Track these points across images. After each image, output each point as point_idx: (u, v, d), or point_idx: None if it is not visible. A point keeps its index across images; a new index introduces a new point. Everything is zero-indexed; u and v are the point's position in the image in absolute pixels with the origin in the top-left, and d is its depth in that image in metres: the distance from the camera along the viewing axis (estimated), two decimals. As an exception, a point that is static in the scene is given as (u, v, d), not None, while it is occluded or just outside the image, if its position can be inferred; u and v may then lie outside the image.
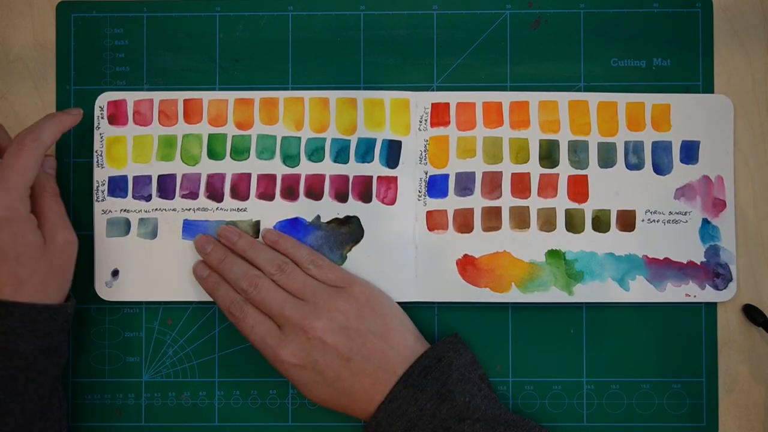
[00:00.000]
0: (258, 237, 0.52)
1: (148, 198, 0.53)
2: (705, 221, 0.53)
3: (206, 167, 0.53)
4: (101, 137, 0.53)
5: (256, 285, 0.49)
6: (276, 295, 0.48)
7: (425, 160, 0.53)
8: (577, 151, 0.53)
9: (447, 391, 0.47)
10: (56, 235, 0.47)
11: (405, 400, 0.47)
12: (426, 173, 0.53)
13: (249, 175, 0.53)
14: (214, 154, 0.53)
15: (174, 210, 0.53)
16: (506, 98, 0.53)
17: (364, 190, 0.53)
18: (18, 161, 0.46)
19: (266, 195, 0.53)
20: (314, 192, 0.53)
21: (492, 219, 0.53)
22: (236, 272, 0.50)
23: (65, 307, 0.48)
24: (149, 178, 0.53)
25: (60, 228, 0.48)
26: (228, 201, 0.53)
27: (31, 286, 0.46)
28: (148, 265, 0.52)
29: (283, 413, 0.53)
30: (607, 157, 0.53)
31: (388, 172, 0.53)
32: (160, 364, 0.53)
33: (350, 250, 0.52)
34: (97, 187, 0.53)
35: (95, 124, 0.53)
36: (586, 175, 0.53)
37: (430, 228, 0.53)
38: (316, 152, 0.53)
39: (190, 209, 0.53)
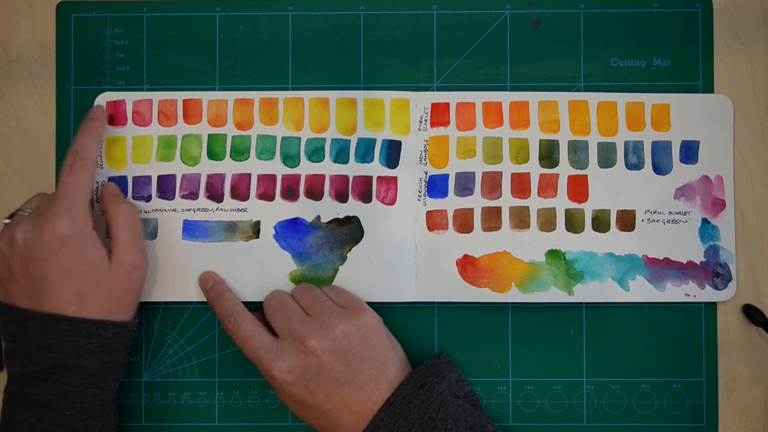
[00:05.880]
0: (258, 237, 0.52)
1: (148, 198, 0.53)
2: (705, 221, 0.53)
3: (206, 167, 0.53)
4: (102, 137, 0.53)
5: (273, 292, 0.50)
6: (289, 305, 0.49)
7: (425, 160, 0.53)
8: (577, 151, 0.53)
9: (429, 419, 0.46)
10: (125, 259, 0.48)
11: (387, 429, 0.46)
12: (426, 173, 0.53)
13: (249, 176, 0.53)
14: (213, 154, 0.53)
15: (174, 210, 0.53)
16: (506, 98, 0.53)
17: (364, 190, 0.53)
18: (73, 179, 0.48)
19: (266, 195, 0.53)
20: (314, 192, 0.53)
21: (492, 219, 0.53)
22: None
23: (130, 325, 0.49)
24: (149, 178, 0.53)
25: (130, 252, 0.48)
26: (228, 201, 0.53)
27: (93, 306, 0.47)
28: (149, 265, 0.52)
29: (283, 413, 0.53)
30: (607, 157, 0.53)
31: (388, 172, 0.53)
32: (160, 364, 0.53)
33: (350, 250, 0.52)
34: (97, 187, 0.53)
35: (95, 125, 0.53)
36: (586, 175, 0.53)
37: (430, 228, 0.53)
38: (316, 152, 0.53)
39: (190, 209, 0.53)
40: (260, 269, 0.52)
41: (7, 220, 0.49)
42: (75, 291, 0.46)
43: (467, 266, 0.52)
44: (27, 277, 0.46)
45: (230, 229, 0.53)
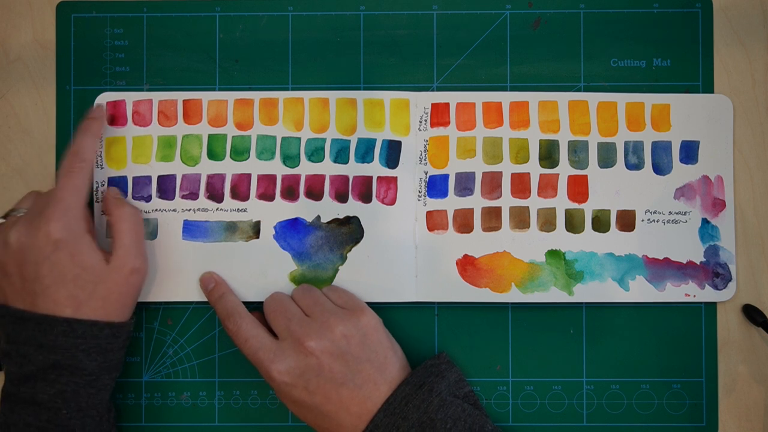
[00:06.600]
0: (258, 237, 0.52)
1: (148, 198, 0.53)
2: (704, 221, 0.53)
3: (206, 168, 0.53)
4: (100, 138, 0.53)
5: (273, 294, 0.50)
6: (289, 306, 0.49)
7: (425, 160, 0.53)
8: (577, 151, 0.53)
9: (428, 419, 0.46)
10: (126, 262, 0.48)
11: (386, 429, 0.46)
12: (426, 173, 0.53)
13: (249, 176, 0.53)
14: (213, 154, 0.53)
15: (174, 210, 0.53)
16: (506, 98, 0.53)
17: (364, 190, 0.53)
18: (69, 182, 0.48)
19: (266, 195, 0.53)
20: (314, 192, 0.53)
21: (492, 219, 0.53)
22: None
23: (127, 325, 0.49)
24: (149, 178, 0.53)
25: (131, 256, 0.49)
26: (228, 201, 0.53)
27: (90, 308, 0.47)
28: (149, 265, 0.52)
29: (283, 413, 0.53)
30: (607, 157, 0.53)
31: (388, 172, 0.53)
32: (160, 364, 0.53)
33: (350, 250, 0.52)
34: (97, 188, 0.53)
35: (95, 125, 0.53)
36: (586, 175, 0.53)
37: (430, 228, 0.53)
38: (316, 152, 0.53)
39: (190, 210, 0.53)
40: (260, 269, 0.52)
41: (1, 220, 0.49)
42: (70, 294, 0.46)
43: (467, 266, 0.52)
44: (22, 279, 0.46)
45: (230, 229, 0.53)
